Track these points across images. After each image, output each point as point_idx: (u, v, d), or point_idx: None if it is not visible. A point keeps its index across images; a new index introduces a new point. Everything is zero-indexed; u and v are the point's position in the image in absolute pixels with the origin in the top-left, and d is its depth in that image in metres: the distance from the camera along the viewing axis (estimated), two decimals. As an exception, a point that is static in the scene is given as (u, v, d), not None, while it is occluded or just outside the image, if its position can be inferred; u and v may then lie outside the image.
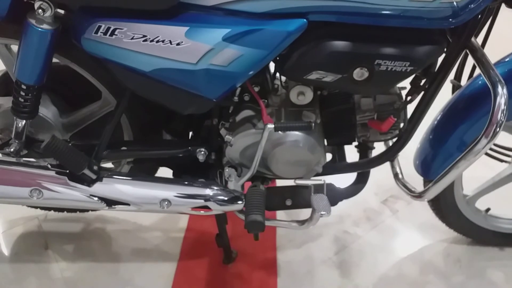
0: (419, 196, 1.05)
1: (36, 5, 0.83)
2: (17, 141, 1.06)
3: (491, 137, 0.86)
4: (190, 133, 1.20)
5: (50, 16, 0.84)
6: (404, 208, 1.56)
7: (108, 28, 0.82)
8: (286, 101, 1.06)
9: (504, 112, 0.85)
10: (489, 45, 1.09)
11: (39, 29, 0.86)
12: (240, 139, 1.05)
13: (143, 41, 0.83)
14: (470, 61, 1.01)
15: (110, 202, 1.05)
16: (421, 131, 1.17)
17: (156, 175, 1.25)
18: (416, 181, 1.20)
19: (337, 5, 0.79)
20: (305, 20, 0.82)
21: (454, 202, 1.27)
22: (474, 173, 1.26)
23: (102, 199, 1.04)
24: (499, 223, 1.36)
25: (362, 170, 1.14)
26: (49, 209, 1.42)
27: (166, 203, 1.05)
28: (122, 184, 1.05)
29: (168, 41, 0.82)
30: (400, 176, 1.16)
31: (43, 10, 0.83)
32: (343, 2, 0.79)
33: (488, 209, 1.34)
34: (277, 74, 1.09)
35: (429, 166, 1.17)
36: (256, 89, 1.03)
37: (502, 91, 0.85)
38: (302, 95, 1.02)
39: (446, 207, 1.29)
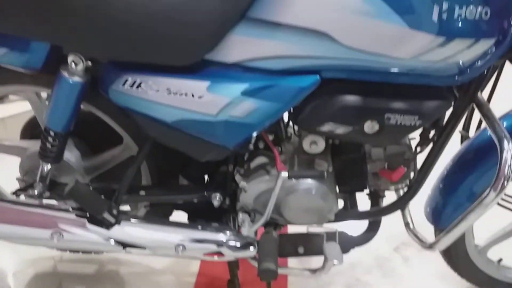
0: (430, 247, 1.06)
1: (69, 59, 0.90)
2: (41, 184, 1.11)
3: (499, 191, 0.89)
4: (206, 177, 1.24)
5: (81, 69, 0.91)
6: (416, 255, 1.55)
7: (135, 81, 0.88)
8: (299, 149, 1.10)
9: (511, 166, 0.88)
10: (495, 98, 1.13)
11: (71, 81, 0.92)
12: (254, 185, 1.08)
13: (167, 94, 0.88)
14: (478, 112, 1.06)
15: (127, 246, 1.07)
16: (432, 179, 1.19)
17: (171, 217, 1.28)
18: (427, 227, 1.21)
19: (347, 64, 0.85)
20: (318, 76, 0.87)
21: (465, 252, 1.27)
22: (486, 222, 1.27)
23: (119, 242, 1.06)
24: (511, 273, 1.35)
25: (374, 218, 1.16)
26: (65, 250, 1.45)
27: (181, 248, 1.07)
28: (139, 228, 1.08)
29: (191, 95, 0.88)
30: (411, 225, 1.18)
31: (76, 64, 0.90)
32: (353, 61, 0.84)
33: (500, 260, 1.34)
34: (290, 122, 1.14)
35: (439, 215, 1.19)
36: (270, 137, 1.07)
37: (508, 146, 0.88)
38: (314, 144, 1.06)
39: (458, 257, 1.29)
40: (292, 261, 1.49)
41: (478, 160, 1.11)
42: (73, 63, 0.90)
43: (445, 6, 0.77)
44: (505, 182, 0.88)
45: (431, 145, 1.05)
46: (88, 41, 0.83)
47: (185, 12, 0.80)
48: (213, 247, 1.08)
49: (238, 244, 1.08)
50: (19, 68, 0.90)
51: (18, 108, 2.04)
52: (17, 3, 0.79)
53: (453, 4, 0.77)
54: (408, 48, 0.81)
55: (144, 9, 0.79)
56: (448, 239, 1.03)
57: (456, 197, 1.14)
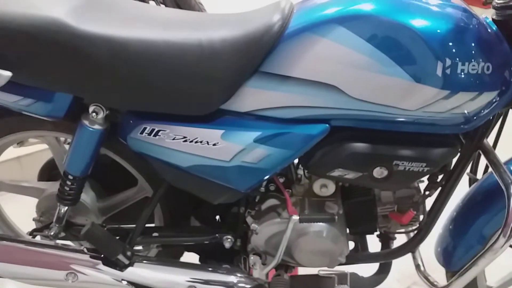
0: (441, 291, 1.07)
1: (91, 109, 0.94)
2: (57, 225, 1.14)
3: (509, 237, 0.90)
4: (217, 219, 1.26)
5: (101, 118, 0.95)
6: (427, 296, 1.54)
7: (153, 129, 0.92)
8: (309, 192, 1.12)
9: (519, 212, 0.89)
10: (500, 144, 1.15)
11: (91, 129, 0.97)
12: (266, 227, 1.10)
13: (183, 141, 0.92)
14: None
15: (140, 287, 1.09)
16: (441, 220, 1.20)
17: (183, 258, 1.30)
18: (438, 267, 1.21)
19: (356, 114, 0.88)
20: (327, 125, 0.91)
21: (478, 294, 1.26)
22: (498, 262, 1.27)
23: (132, 283, 1.08)
24: (525, 316, 1.33)
25: (384, 261, 1.17)
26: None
27: (193, 290, 1.09)
28: (152, 270, 1.09)
29: (206, 142, 0.92)
30: (421, 268, 1.18)
31: (96, 113, 0.94)
32: (361, 112, 0.88)
33: (513, 302, 1.32)
34: (300, 165, 1.17)
35: (450, 257, 1.19)
36: (281, 180, 1.10)
37: (515, 192, 0.90)
38: (325, 188, 1.08)
39: (470, 299, 1.28)
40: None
41: (487, 203, 1.12)
42: (94, 112, 0.94)
43: (448, 62, 0.81)
44: (514, 227, 0.89)
45: (439, 188, 1.07)
46: (109, 94, 0.88)
47: (203, 68, 0.85)
48: (225, 289, 1.09)
49: (249, 286, 1.09)
50: (43, 117, 0.95)
51: (33, 147, 2.09)
52: (44, 60, 0.84)
53: (456, 60, 0.81)
54: (414, 100, 0.85)
55: (164, 65, 0.84)
56: (459, 283, 1.03)
57: (466, 240, 1.15)
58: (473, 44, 0.83)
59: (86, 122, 0.96)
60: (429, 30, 0.81)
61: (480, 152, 1.00)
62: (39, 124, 1.08)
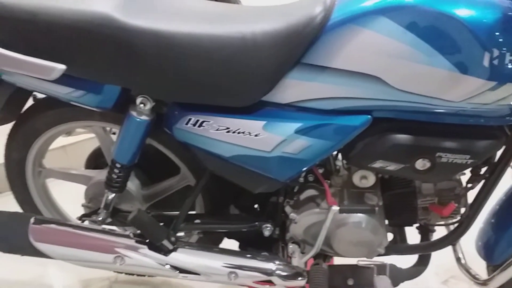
0: (483, 283, 1.05)
1: (138, 100, 0.98)
2: (105, 211, 1.20)
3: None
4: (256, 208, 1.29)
5: (148, 109, 0.99)
6: (466, 290, 1.52)
7: (197, 120, 0.95)
8: (348, 183, 1.13)
9: None
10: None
11: (138, 119, 1.01)
12: (305, 217, 1.12)
13: (226, 132, 0.95)
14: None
15: (183, 271, 1.12)
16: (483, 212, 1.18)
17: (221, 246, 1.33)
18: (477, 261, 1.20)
19: (399, 105, 0.88)
20: (369, 116, 0.91)
21: (519, 289, 1.24)
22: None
23: (176, 268, 1.12)
24: None
25: (423, 252, 1.16)
26: (120, 271, 1.53)
27: (233, 275, 1.12)
28: (195, 255, 1.13)
29: (248, 133, 0.94)
30: (463, 261, 1.16)
31: (144, 104, 0.98)
32: (404, 103, 0.87)
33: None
34: (339, 156, 1.17)
35: (491, 251, 1.17)
36: (320, 171, 1.11)
37: None
38: (365, 179, 1.09)
39: (512, 293, 1.25)
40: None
41: (532, 196, 1.10)
42: (141, 104, 0.98)
43: (495, 52, 0.79)
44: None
45: (482, 181, 1.05)
46: (155, 86, 0.91)
47: (245, 60, 0.87)
48: (264, 275, 1.12)
49: (288, 274, 1.11)
50: (93, 108, 0.99)
51: (77, 137, 2.17)
52: (95, 54, 0.88)
53: (504, 50, 0.79)
54: (459, 91, 0.83)
55: (208, 58, 0.87)
56: (502, 277, 1.02)
57: (509, 234, 1.12)
58: (521, 33, 0.81)
59: (133, 113, 1.00)
60: (475, 20, 0.80)
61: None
62: (88, 114, 1.13)
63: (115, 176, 1.11)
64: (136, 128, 1.02)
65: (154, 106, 1.00)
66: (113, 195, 1.17)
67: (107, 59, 0.89)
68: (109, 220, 1.23)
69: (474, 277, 1.10)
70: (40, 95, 1.15)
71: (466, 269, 1.13)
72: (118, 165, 1.09)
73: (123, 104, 1.01)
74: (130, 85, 0.95)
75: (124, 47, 0.87)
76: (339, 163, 1.17)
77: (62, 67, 0.89)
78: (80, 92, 0.97)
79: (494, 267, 1.14)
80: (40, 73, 0.90)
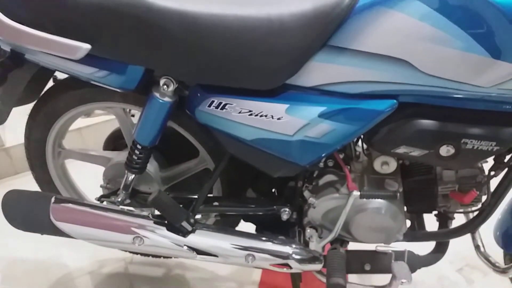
0: (503, 271, 1.05)
1: (162, 81, 0.98)
2: (124, 192, 1.21)
3: None
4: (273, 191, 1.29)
5: (171, 90, 0.99)
6: (481, 279, 1.52)
7: (220, 103, 0.95)
8: (368, 168, 1.12)
9: None
10: None
11: (161, 101, 1.01)
12: (323, 202, 1.12)
13: (249, 115, 0.94)
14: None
15: (201, 253, 1.13)
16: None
17: (238, 228, 1.34)
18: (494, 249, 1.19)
19: (426, 90, 0.87)
20: (395, 101, 0.90)
21: (537, 278, 1.24)
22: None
23: (194, 249, 1.13)
24: None
25: (442, 240, 1.16)
26: (136, 252, 1.55)
27: (251, 257, 1.12)
28: (213, 237, 1.14)
29: (270, 116, 0.93)
30: (482, 249, 1.16)
31: (167, 86, 0.98)
32: (432, 88, 0.86)
33: None
34: (359, 142, 1.16)
35: (510, 240, 1.17)
36: (341, 156, 1.10)
37: None
38: (386, 165, 1.08)
39: (529, 283, 1.26)
40: (352, 277, 1.51)
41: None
42: (164, 85, 0.98)
43: (530, 37, 0.78)
44: None
45: (505, 169, 1.04)
46: (180, 67, 0.91)
47: (271, 42, 0.86)
48: (281, 259, 1.13)
49: (305, 258, 1.12)
50: (116, 88, 0.99)
51: (93, 119, 2.20)
52: (121, 34, 0.88)
53: (538, 35, 0.78)
54: (489, 77, 0.82)
55: (234, 39, 0.86)
56: (522, 266, 1.01)
57: (530, 223, 1.12)
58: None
59: (157, 94, 1.00)
60: (509, 4, 0.78)
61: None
62: (109, 95, 1.13)
63: (135, 157, 1.12)
64: (158, 110, 1.02)
65: (177, 88, 1.00)
66: (133, 176, 1.17)
67: (132, 39, 0.89)
68: (127, 201, 1.24)
69: (494, 265, 1.10)
70: (60, 76, 1.15)
71: (485, 257, 1.13)
72: (139, 146, 1.10)
73: (146, 85, 1.01)
74: (154, 66, 0.95)
75: (150, 27, 0.87)
76: (359, 148, 1.16)
77: (87, 46, 0.88)
78: (104, 72, 0.97)
79: (510, 255, 1.14)
80: (66, 53, 0.89)
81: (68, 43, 0.89)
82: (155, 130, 1.06)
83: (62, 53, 0.90)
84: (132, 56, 0.92)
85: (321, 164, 1.13)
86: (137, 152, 1.11)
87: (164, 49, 0.88)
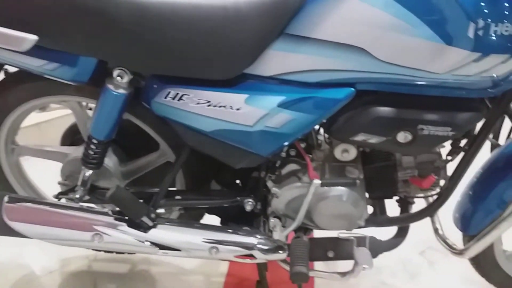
0: (460, 253, 1.08)
1: (115, 73, 0.94)
2: (82, 188, 1.17)
3: (532, 202, 0.90)
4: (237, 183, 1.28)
5: (125, 82, 0.96)
6: (442, 260, 1.56)
7: (177, 94, 0.93)
8: (330, 157, 1.13)
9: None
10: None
11: (115, 93, 0.97)
12: (286, 191, 1.11)
13: (207, 106, 0.92)
14: (508, 121, 1.07)
15: (163, 248, 1.11)
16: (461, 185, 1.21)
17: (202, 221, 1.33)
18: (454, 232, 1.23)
19: (383, 77, 0.87)
20: (353, 89, 0.90)
21: (493, 257, 1.28)
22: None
23: (156, 244, 1.11)
24: (540, 279, 1.35)
25: (402, 224, 1.18)
26: (99, 249, 1.51)
27: (214, 250, 1.11)
28: (175, 231, 1.12)
29: (229, 107, 0.92)
30: (440, 231, 1.19)
31: (121, 77, 0.95)
32: (388, 75, 0.87)
33: (528, 265, 1.34)
34: (321, 130, 1.17)
35: (468, 222, 1.20)
36: (302, 145, 1.10)
37: (541, 157, 0.89)
38: (346, 153, 1.09)
39: (486, 262, 1.30)
40: (318, 264, 1.52)
41: (508, 168, 1.12)
42: (118, 77, 0.94)
43: (481, 23, 0.79)
44: (537, 192, 0.89)
45: (461, 153, 1.07)
46: (133, 57, 0.88)
47: (227, 31, 0.84)
48: (245, 250, 1.12)
49: (269, 247, 1.12)
50: (68, 81, 0.95)
51: (52, 114, 2.11)
52: (69, 23, 0.84)
53: (489, 21, 0.79)
54: (444, 63, 0.83)
55: (188, 28, 0.84)
56: (478, 247, 1.05)
57: (486, 205, 1.15)
58: (506, 4, 0.80)
59: (110, 86, 0.97)
60: None
61: (506, 116, 0.99)
62: (63, 89, 1.08)
63: (91, 152, 1.08)
64: (113, 102, 0.99)
65: (132, 79, 0.97)
66: (90, 172, 1.14)
67: (81, 29, 0.85)
68: (86, 197, 1.20)
69: (451, 247, 1.13)
70: (12, 69, 1.10)
71: (443, 240, 1.16)
72: (94, 141, 1.06)
73: (100, 77, 0.98)
74: (106, 57, 0.91)
75: (100, 16, 0.83)
76: (320, 137, 1.17)
77: (33, 37, 0.84)
78: (54, 65, 0.93)
79: (470, 237, 1.18)
80: (11, 44, 0.85)
81: (13, 34, 0.85)
82: (110, 124, 1.03)
83: (7, 45, 0.86)
84: (82, 47, 0.88)
85: (284, 154, 1.12)
86: (93, 147, 1.07)
87: (115, 40, 0.85)
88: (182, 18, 0.84)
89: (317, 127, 1.11)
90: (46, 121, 2.10)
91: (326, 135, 1.14)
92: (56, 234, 1.11)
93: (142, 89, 0.98)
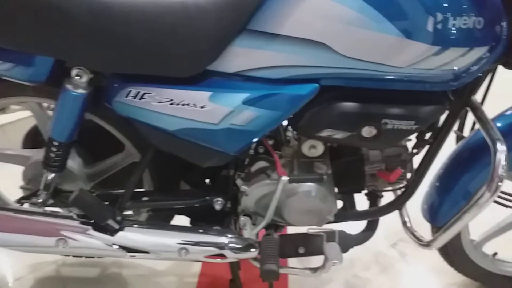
0: (427, 245, 1.10)
1: (73, 72, 0.91)
2: (45, 192, 1.13)
3: (494, 192, 0.92)
4: (207, 182, 1.26)
5: (85, 81, 0.93)
6: (413, 251, 1.59)
7: (138, 92, 0.90)
8: (298, 153, 1.12)
9: (504, 167, 0.91)
10: (488, 100, 1.16)
11: (74, 93, 0.94)
12: (255, 189, 1.10)
13: (170, 104, 0.90)
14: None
15: (131, 251, 1.09)
16: (428, 177, 1.22)
17: (173, 222, 1.31)
18: (424, 224, 1.24)
19: (345, 72, 0.87)
20: (317, 84, 0.90)
21: (461, 247, 1.31)
22: (481, 218, 1.30)
23: (123, 247, 1.08)
24: (506, 267, 1.38)
25: (372, 218, 1.19)
26: (67, 254, 1.47)
27: (184, 251, 1.09)
28: (143, 233, 1.10)
29: (193, 105, 0.90)
30: (408, 224, 1.21)
31: (80, 76, 0.91)
32: (351, 70, 0.86)
33: (495, 253, 1.37)
34: (289, 127, 1.16)
35: (436, 213, 1.22)
36: (270, 142, 1.10)
37: (501, 147, 0.91)
38: (313, 148, 1.08)
39: (454, 252, 1.32)
40: (292, 260, 1.52)
41: (473, 159, 1.14)
42: (76, 76, 0.91)
43: (439, 17, 0.79)
44: (499, 182, 0.91)
45: (427, 146, 1.08)
46: (91, 56, 0.85)
47: (188, 27, 0.82)
48: (215, 250, 1.11)
49: (239, 246, 1.10)
50: (24, 82, 0.92)
51: (17, 115, 2.05)
52: (22, 21, 0.80)
53: (448, 15, 0.80)
54: (404, 57, 0.84)
55: (148, 25, 0.81)
56: (444, 238, 1.06)
57: (452, 196, 1.17)
58: (464, -3, 0.81)
59: (69, 87, 0.94)
60: None
61: (468, 109, 1.01)
62: (21, 89, 1.04)
63: (53, 155, 1.05)
64: (72, 103, 0.96)
65: (92, 79, 0.94)
66: (53, 175, 1.10)
67: (35, 27, 0.81)
68: (50, 201, 1.17)
69: (418, 239, 1.14)
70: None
71: (411, 232, 1.18)
72: (55, 143, 1.03)
73: (59, 77, 0.94)
74: (63, 56, 0.88)
75: (53, 13, 0.80)
76: (289, 133, 1.16)
77: (-18, 36, 0.80)
78: (8, 65, 0.89)
79: (438, 228, 1.19)
80: (-42, 44, 0.81)
81: (-40, 33, 0.80)
82: (71, 125, 0.99)
83: (-45, 44, 0.81)
84: (37, 47, 0.85)
85: (252, 151, 1.11)
86: (54, 149, 1.03)
87: (71, 38, 0.82)
88: (140, 14, 0.81)
89: (285, 123, 1.10)
90: (10, 122, 2.03)
91: (295, 131, 1.14)
92: (19, 241, 1.07)
93: (103, 88, 0.95)
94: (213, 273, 1.50)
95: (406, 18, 0.80)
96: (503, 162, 0.91)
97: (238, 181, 1.13)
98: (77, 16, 0.80)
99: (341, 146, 1.14)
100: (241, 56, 0.87)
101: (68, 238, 1.07)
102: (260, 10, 0.83)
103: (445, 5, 0.80)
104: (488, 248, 1.36)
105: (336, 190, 1.15)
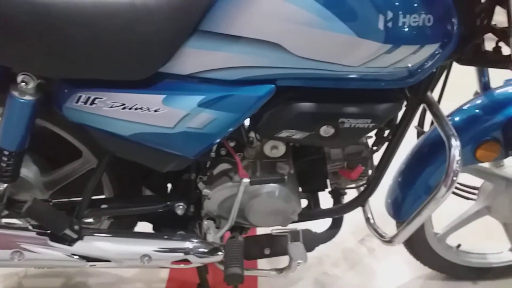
0: (389, 241, 1.11)
1: (19, 78, 0.87)
2: (-2, 204, 1.08)
3: (449, 186, 0.93)
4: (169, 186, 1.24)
5: (32, 87, 0.89)
6: (380, 246, 1.59)
7: (88, 97, 0.87)
8: (261, 154, 1.11)
9: (459, 162, 0.92)
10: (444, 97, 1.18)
11: (22, 100, 0.90)
12: (218, 192, 1.09)
13: (122, 108, 0.88)
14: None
15: (92, 260, 1.06)
16: (391, 173, 1.23)
17: (136, 229, 1.28)
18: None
19: (300, 73, 0.87)
20: (273, 85, 0.89)
21: (425, 240, 1.33)
22: (444, 210, 1.33)
23: (83, 257, 1.05)
24: (469, 258, 1.41)
25: (336, 216, 1.19)
26: (24, 267, 1.42)
27: (147, 258, 1.07)
28: (103, 242, 1.07)
29: (146, 108, 0.88)
30: (371, 221, 1.21)
31: (26, 83, 0.88)
32: (305, 70, 0.86)
33: (459, 245, 1.40)
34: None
35: (399, 208, 1.23)
36: (232, 144, 1.08)
37: (455, 143, 0.92)
38: (275, 149, 1.08)
39: (419, 245, 1.34)
40: (261, 261, 1.51)
41: (432, 154, 1.16)
42: (23, 82, 0.87)
43: (390, 15, 0.80)
44: (454, 177, 0.93)
45: (386, 143, 1.09)
46: (36, 61, 0.82)
47: (137, 29, 0.80)
48: (180, 255, 1.09)
49: (204, 251, 1.09)
50: (-34, 89, 0.87)
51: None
52: None
53: (397, 13, 0.80)
54: (357, 56, 0.84)
55: (94, 28, 0.79)
56: (406, 233, 1.07)
57: (414, 191, 1.19)
58: (413, -5, 0.81)
59: (15, 93, 0.90)
60: None
61: (424, 105, 1.02)
62: (-36, 97, 0.99)
63: (4, 165, 1.00)
64: (20, 110, 0.92)
65: (40, 84, 0.90)
66: (5, 185, 1.05)
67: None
68: (5, 213, 1.12)
69: (381, 236, 1.15)
70: None
71: (374, 229, 1.19)
72: (5, 152, 0.98)
73: (4, 83, 0.90)
74: (7, 62, 0.84)
75: None
76: (252, 135, 1.15)
77: None
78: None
79: (402, 223, 1.20)
80: None
81: None
82: (20, 133, 0.95)
83: None
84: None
85: (213, 154, 1.09)
86: (4, 158, 0.99)
87: (14, 42, 0.79)
88: (86, 16, 0.79)
89: (247, 124, 1.09)
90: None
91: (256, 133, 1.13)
92: (-30, 255, 1.02)
93: (53, 94, 0.91)
94: (181, 278, 1.48)
95: (357, 17, 0.80)
96: (457, 158, 0.92)
97: (200, 185, 1.11)
98: (19, 20, 0.77)
99: (303, 145, 1.13)
100: (194, 58, 0.85)
101: (24, 250, 1.03)
102: (211, 11, 0.81)
103: (396, 3, 0.81)
104: (451, 240, 1.39)
105: (300, 189, 1.15)
